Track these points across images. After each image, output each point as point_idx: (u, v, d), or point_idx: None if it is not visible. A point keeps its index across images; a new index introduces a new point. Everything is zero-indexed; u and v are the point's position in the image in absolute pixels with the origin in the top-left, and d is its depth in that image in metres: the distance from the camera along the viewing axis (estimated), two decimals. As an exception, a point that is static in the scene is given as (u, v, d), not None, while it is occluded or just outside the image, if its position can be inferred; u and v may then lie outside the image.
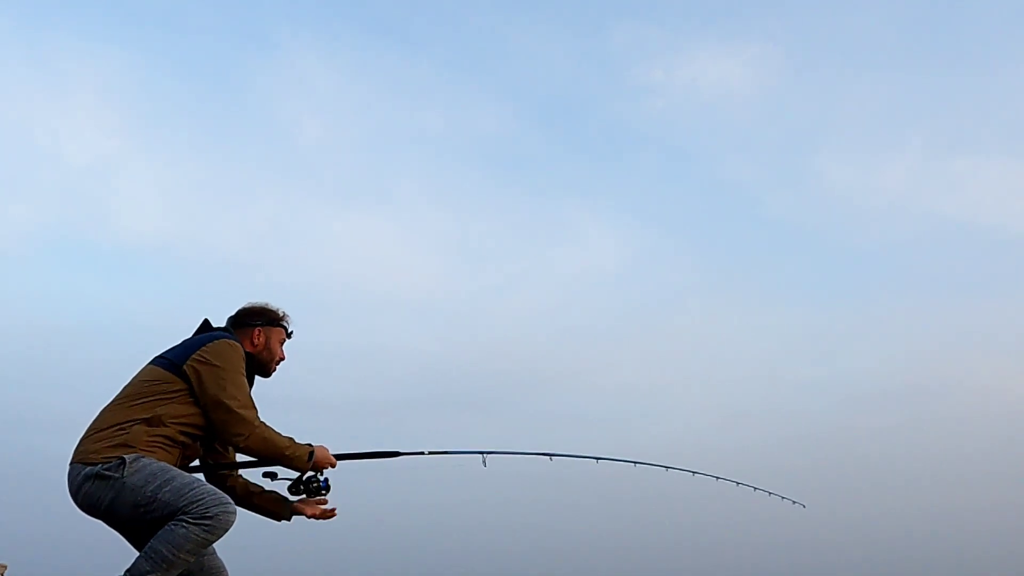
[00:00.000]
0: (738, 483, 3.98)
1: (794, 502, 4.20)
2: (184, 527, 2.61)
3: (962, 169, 15.50)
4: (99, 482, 2.71)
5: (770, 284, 15.53)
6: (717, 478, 3.89)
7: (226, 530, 2.69)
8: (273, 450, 2.91)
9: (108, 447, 2.74)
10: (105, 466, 2.70)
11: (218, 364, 2.89)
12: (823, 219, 16.12)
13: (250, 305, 3.30)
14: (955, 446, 12.64)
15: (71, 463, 2.79)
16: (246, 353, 3.08)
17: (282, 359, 3.29)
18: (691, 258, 15.85)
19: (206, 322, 3.18)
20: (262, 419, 2.91)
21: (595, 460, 3.58)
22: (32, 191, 14.03)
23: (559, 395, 14.17)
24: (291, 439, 2.95)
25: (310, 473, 3.09)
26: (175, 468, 2.81)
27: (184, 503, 2.64)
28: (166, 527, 2.62)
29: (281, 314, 3.34)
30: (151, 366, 2.97)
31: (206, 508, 2.64)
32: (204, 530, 2.63)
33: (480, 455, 3.38)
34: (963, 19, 14.67)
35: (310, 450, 2.97)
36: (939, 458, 12.49)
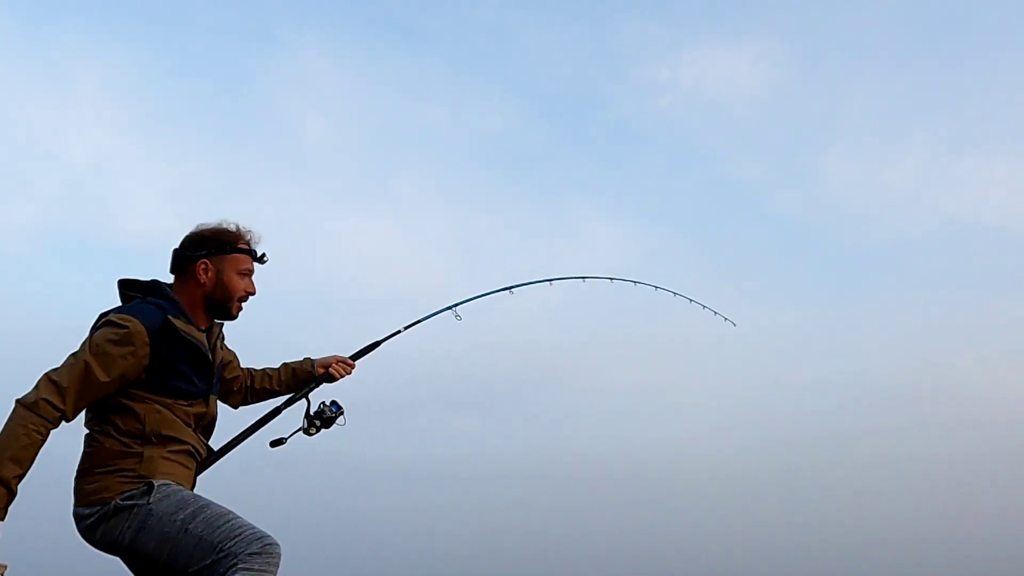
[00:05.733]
0: (676, 293, 4.21)
1: (725, 319, 4.46)
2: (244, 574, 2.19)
3: (969, 168, 15.64)
4: (119, 515, 2.28)
5: (775, 282, 15.57)
6: (656, 287, 4.12)
7: (279, 563, 2.26)
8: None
9: (122, 481, 2.31)
10: (125, 495, 2.28)
11: (80, 346, 2.33)
12: (829, 217, 16.24)
13: (196, 230, 2.54)
14: (958, 447, 12.63)
15: (75, 506, 2.35)
16: (204, 296, 2.50)
17: (250, 293, 2.56)
18: (696, 256, 15.90)
19: (128, 283, 2.52)
20: (49, 417, 2.20)
21: (549, 282, 3.81)
22: (34, 190, 14.05)
23: (563, 395, 14.11)
24: (12, 457, 2.15)
25: (315, 408, 2.85)
26: (205, 497, 2.41)
27: (220, 539, 2.23)
28: None
29: (238, 233, 2.55)
30: None
31: (248, 544, 2.22)
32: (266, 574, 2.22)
33: (451, 310, 3.44)
34: (971, 17, 14.94)
35: None
36: (942, 459, 12.49)
